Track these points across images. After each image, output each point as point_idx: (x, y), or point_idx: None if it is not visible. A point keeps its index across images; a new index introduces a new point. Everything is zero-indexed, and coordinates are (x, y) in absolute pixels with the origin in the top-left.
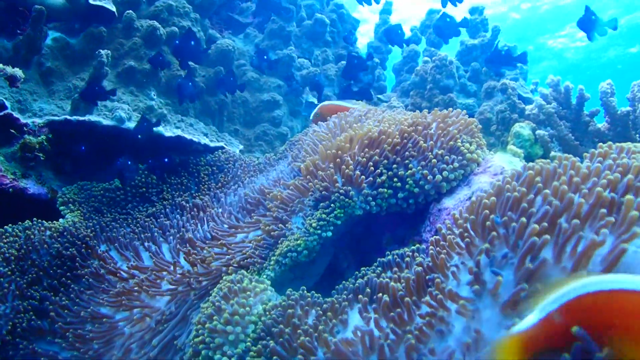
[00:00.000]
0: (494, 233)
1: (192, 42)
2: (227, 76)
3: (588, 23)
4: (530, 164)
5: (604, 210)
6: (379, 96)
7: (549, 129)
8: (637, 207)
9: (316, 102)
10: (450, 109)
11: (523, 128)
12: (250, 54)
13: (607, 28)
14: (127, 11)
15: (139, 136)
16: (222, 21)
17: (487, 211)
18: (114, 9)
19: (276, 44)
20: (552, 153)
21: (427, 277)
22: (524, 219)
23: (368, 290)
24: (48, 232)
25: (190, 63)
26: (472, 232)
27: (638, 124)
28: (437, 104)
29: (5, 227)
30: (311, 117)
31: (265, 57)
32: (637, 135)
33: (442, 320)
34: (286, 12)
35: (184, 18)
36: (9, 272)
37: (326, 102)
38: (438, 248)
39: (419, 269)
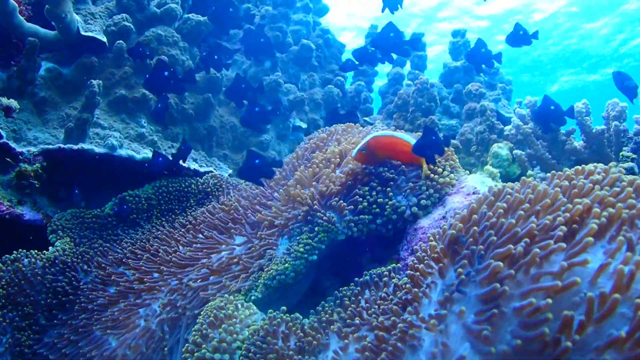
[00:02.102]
0: (461, 255)
1: (166, 73)
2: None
3: (517, 37)
4: (496, 188)
5: (560, 234)
6: (365, 118)
7: (527, 148)
8: (587, 233)
9: (304, 125)
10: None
11: (501, 148)
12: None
13: (532, 40)
14: (118, 41)
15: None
16: (211, 48)
17: (454, 233)
18: (104, 39)
19: (262, 70)
20: (529, 172)
21: (402, 297)
22: (481, 246)
23: (341, 311)
24: (39, 263)
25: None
26: (442, 254)
27: (612, 142)
28: (419, 126)
29: None
30: (354, 154)
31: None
32: (612, 152)
33: (414, 337)
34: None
35: (173, 47)
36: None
37: (378, 134)
38: (412, 271)
39: (393, 288)
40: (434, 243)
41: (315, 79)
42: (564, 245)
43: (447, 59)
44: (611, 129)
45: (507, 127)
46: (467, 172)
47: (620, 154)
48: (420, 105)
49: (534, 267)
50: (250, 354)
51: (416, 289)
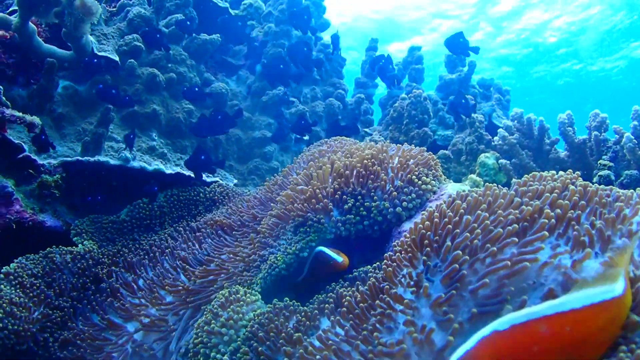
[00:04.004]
0: (428, 248)
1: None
2: (215, 116)
3: (456, 44)
4: (463, 192)
5: (510, 229)
6: (365, 129)
7: (513, 158)
8: (537, 230)
9: (306, 137)
10: (412, 146)
11: (488, 158)
12: (243, 94)
13: (470, 52)
14: (129, 60)
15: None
16: (217, 64)
17: (424, 231)
18: (117, 58)
19: (266, 85)
20: (513, 180)
21: (380, 285)
22: (449, 242)
23: (332, 301)
24: (69, 256)
25: (188, 105)
26: (414, 247)
27: (594, 151)
28: (413, 137)
29: (28, 255)
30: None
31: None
32: (594, 161)
33: (390, 317)
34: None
35: (181, 64)
36: (37, 285)
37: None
38: (390, 262)
39: (374, 280)
40: (407, 238)
41: (317, 92)
42: (516, 239)
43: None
44: (592, 139)
45: (495, 138)
46: (450, 180)
47: (599, 162)
48: (414, 118)
49: (489, 258)
50: (254, 329)
51: (392, 277)
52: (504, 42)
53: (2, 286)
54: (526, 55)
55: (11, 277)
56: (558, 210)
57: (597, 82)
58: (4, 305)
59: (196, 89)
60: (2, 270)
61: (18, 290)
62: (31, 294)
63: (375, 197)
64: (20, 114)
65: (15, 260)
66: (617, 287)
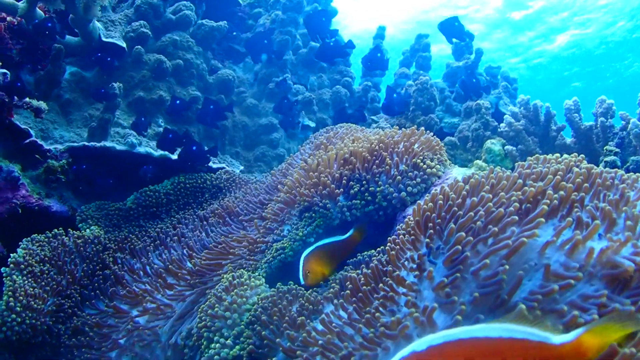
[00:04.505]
0: (431, 230)
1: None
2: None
3: (451, 28)
4: (466, 175)
5: (512, 209)
6: (372, 117)
7: (519, 144)
8: (539, 213)
9: (312, 124)
10: (414, 128)
11: (494, 144)
12: (250, 81)
13: (466, 38)
14: (136, 46)
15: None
16: (224, 51)
17: (428, 213)
18: (124, 45)
19: (273, 72)
20: (517, 162)
21: (384, 268)
22: (452, 224)
23: (335, 285)
24: (80, 240)
25: (195, 91)
26: (417, 230)
27: (600, 137)
28: (420, 124)
29: (34, 235)
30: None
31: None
32: (600, 147)
33: (393, 300)
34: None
35: (187, 51)
36: (47, 272)
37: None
38: (393, 244)
39: (377, 262)
40: (411, 221)
41: (324, 80)
42: (516, 217)
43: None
44: (598, 125)
45: (502, 124)
46: (455, 165)
47: (605, 148)
48: (420, 104)
49: (491, 238)
50: (257, 313)
51: (395, 260)
52: None
53: (14, 277)
54: None
55: (22, 266)
56: (562, 192)
57: None
58: (21, 297)
59: (177, 101)
60: (11, 260)
61: (30, 280)
62: (43, 283)
63: (379, 182)
64: (27, 99)
65: (22, 245)
66: (556, 338)
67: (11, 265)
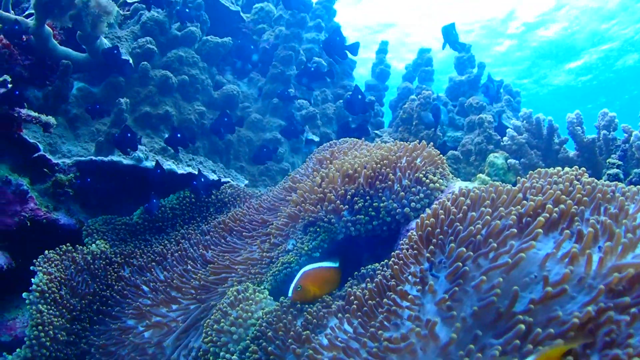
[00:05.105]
0: (432, 246)
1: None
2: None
3: (450, 35)
4: (464, 189)
5: (511, 222)
6: (375, 131)
7: (522, 158)
8: (537, 225)
9: (316, 139)
10: (416, 143)
11: (497, 158)
12: (254, 96)
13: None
14: (143, 62)
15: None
16: (228, 67)
17: (429, 228)
18: (131, 60)
19: (277, 87)
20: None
21: (388, 283)
22: (453, 238)
23: (339, 299)
24: (89, 256)
25: (200, 106)
26: (419, 244)
27: (603, 150)
28: (423, 138)
29: (46, 252)
30: (290, 295)
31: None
32: (603, 160)
33: (396, 314)
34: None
35: (193, 67)
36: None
37: (306, 269)
38: (396, 259)
39: (381, 277)
40: (414, 235)
41: (328, 95)
42: (515, 230)
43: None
44: (601, 138)
45: (504, 138)
46: (458, 179)
47: (607, 160)
48: (423, 119)
49: (492, 252)
50: (262, 328)
51: (399, 275)
52: None
53: (40, 306)
54: None
55: (46, 294)
56: (562, 206)
57: None
58: (50, 332)
59: (178, 135)
60: (35, 287)
61: (53, 308)
62: (64, 310)
63: (383, 198)
64: (36, 114)
65: (40, 268)
66: None
67: (36, 293)
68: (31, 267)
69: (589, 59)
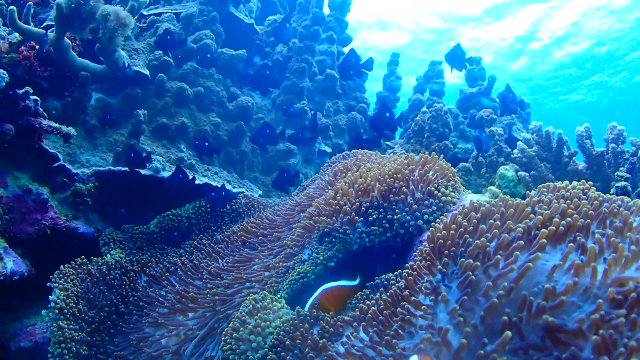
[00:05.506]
0: (446, 258)
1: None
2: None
3: (455, 57)
4: (476, 203)
5: (519, 235)
6: (387, 143)
7: (532, 170)
8: (542, 236)
9: (329, 150)
10: (427, 156)
11: (507, 170)
12: (267, 107)
13: (467, 64)
14: (159, 74)
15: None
16: (242, 78)
17: (441, 240)
18: (147, 72)
19: (291, 99)
20: (531, 192)
21: (402, 293)
22: (464, 249)
23: (354, 308)
24: (104, 267)
25: (215, 118)
26: (432, 256)
27: (612, 163)
28: (434, 150)
29: (61, 267)
30: (307, 309)
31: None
32: (612, 172)
33: (410, 323)
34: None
35: (208, 79)
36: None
37: (326, 287)
38: (410, 270)
39: (395, 288)
40: (426, 247)
41: (340, 106)
42: (522, 242)
43: None
44: (609, 151)
45: (515, 150)
46: (469, 191)
47: (616, 173)
48: (434, 131)
49: (501, 262)
50: (280, 337)
51: (413, 285)
52: None
53: (60, 323)
54: None
55: (65, 310)
56: (569, 219)
57: None
58: (73, 347)
59: (180, 175)
60: (53, 305)
61: (73, 323)
62: (84, 324)
63: (397, 210)
64: (57, 125)
65: (56, 285)
66: None
67: (55, 310)
68: (48, 284)
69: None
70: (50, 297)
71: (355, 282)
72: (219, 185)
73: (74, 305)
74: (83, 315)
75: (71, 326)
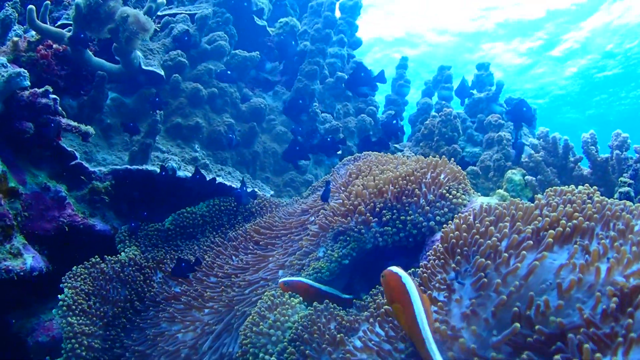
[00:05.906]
0: (459, 257)
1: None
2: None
3: (463, 91)
4: (486, 205)
5: (529, 236)
6: (395, 145)
7: (538, 175)
8: (550, 236)
9: (339, 152)
10: (437, 159)
11: (515, 174)
12: (279, 109)
13: (472, 91)
14: (174, 75)
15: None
16: (254, 80)
17: (454, 240)
18: (162, 72)
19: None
20: (537, 196)
21: None
22: (477, 249)
23: (371, 304)
24: (118, 265)
25: (229, 119)
26: (446, 255)
27: (616, 169)
28: (443, 153)
29: (73, 268)
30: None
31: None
32: (616, 178)
33: None
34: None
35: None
36: (93, 304)
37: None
38: (424, 269)
39: None
40: (440, 247)
41: (349, 108)
42: (531, 242)
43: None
44: (614, 157)
45: (522, 155)
46: (479, 194)
47: (619, 179)
48: (444, 135)
49: (512, 260)
50: (298, 331)
51: (427, 282)
52: None
53: (69, 319)
54: None
55: (73, 307)
56: (575, 222)
57: None
58: (84, 341)
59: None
60: (61, 302)
61: (83, 318)
62: (95, 318)
63: (409, 211)
64: (75, 124)
65: (66, 284)
66: None
67: (63, 308)
68: (60, 285)
69: None
70: (59, 297)
71: (345, 296)
72: (236, 186)
73: (84, 302)
74: (94, 310)
75: (81, 321)
